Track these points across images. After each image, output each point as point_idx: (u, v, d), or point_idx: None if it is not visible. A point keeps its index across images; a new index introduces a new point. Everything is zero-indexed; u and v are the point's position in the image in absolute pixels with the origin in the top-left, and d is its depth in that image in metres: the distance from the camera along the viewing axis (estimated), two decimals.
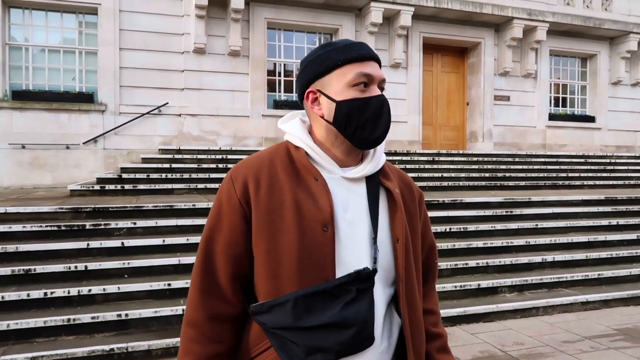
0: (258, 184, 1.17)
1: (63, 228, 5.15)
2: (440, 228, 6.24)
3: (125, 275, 4.74)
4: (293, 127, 1.25)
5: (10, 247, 4.72)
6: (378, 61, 1.22)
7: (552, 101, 12.54)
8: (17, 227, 5.05)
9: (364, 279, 1.11)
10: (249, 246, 1.17)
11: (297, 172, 1.19)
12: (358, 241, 1.17)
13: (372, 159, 1.24)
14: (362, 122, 1.18)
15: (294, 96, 10.41)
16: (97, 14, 9.02)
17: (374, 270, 1.14)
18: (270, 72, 10.21)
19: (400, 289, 1.19)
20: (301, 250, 1.11)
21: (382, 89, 1.21)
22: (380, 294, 1.17)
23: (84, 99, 8.97)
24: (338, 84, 1.18)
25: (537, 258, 6.03)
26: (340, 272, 1.12)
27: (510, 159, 10.48)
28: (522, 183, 9.17)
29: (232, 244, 1.17)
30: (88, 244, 4.96)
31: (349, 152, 1.22)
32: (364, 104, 1.17)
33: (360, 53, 1.19)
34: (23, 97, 8.63)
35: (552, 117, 12.32)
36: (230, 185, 1.19)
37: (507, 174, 9.49)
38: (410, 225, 1.27)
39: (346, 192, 1.19)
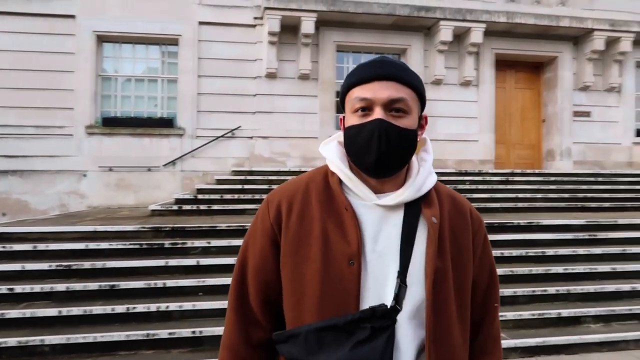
0: (290, 210, 1.14)
1: (144, 246, 5.48)
2: (515, 252, 5.96)
3: (200, 293, 4.94)
4: (329, 152, 1.20)
5: (99, 264, 5.09)
6: (390, 78, 1.09)
7: None
8: (104, 245, 5.43)
9: (380, 316, 1.03)
10: (279, 273, 1.14)
11: (331, 200, 1.14)
12: (388, 275, 1.08)
13: (413, 183, 1.14)
14: (356, 150, 1.11)
15: None
16: (177, 44, 9.64)
17: (393, 308, 1.05)
18: (339, 94, 10.33)
19: (426, 329, 1.08)
20: (324, 283, 1.07)
21: (397, 109, 1.09)
22: (410, 335, 1.08)
23: (165, 124, 9.58)
24: (347, 111, 1.15)
25: (625, 286, 5.57)
26: (366, 307, 1.06)
27: (592, 179, 9.82)
28: (606, 204, 8.55)
29: (262, 269, 1.16)
30: (167, 262, 5.22)
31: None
32: (356, 132, 1.11)
33: (360, 75, 1.12)
34: (112, 124, 9.37)
35: (639, 133, 11.45)
36: (265, 210, 1.18)
37: (589, 195, 8.90)
38: (457, 259, 1.14)
39: (379, 221, 1.12)
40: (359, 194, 1.14)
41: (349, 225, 1.10)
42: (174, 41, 9.68)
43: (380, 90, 1.08)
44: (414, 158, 1.20)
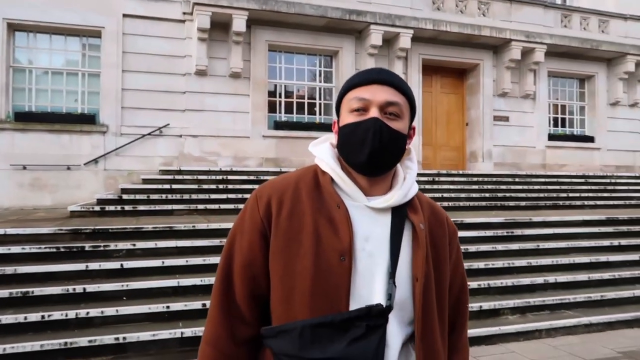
0: (280, 206, 1.15)
1: (62, 250, 5.13)
2: None
3: (124, 298, 4.71)
4: (321, 152, 1.23)
5: (9, 269, 4.70)
6: (388, 84, 1.16)
7: (552, 122, 12.61)
8: (16, 249, 5.04)
9: (375, 315, 1.07)
10: (267, 267, 1.15)
11: (321, 198, 1.16)
12: (376, 275, 1.12)
13: (401, 188, 1.20)
14: (350, 147, 1.16)
15: (295, 117, 10.48)
16: (100, 37, 9.14)
17: (388, 308, 1.09)
18: (271, 94, 10.29)
19: (416, 329, 1.14)
20: (315, 278, 1.09)
21: (390, 113, 1.15)
22: (396, 332, 1.13)
23: (86, 120, 9.04)
24: (344, 111, 1.19)
25: (539, 279, 5.99)
26: (354, 304, 1.09)
27: (510, 179, 10.48)
28: (523, 203, 9.15)
29: (250, 264, 1.15)
30: (87, 266, 4.94)
31: (369, 179, 1.18)
32: (352, 129, 1.15)
33: (362, 78, 1.17)
34: (25, 119, 8.70)
35: (551, 137, 12.37)
36: (255, 204, 1.18)
37: (508, 194, 9.49)
38: (436, 264, 1.21)
39: (370, 222, 1.15)
40: (350, 194, 1.17)
41: (340, 222, 1.12)
42: (96, 33, 9.16)
43: (378, 93, 1.15)
44: (399, 165, 1.25)
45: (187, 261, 5.22)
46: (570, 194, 10.03)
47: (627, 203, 10.04)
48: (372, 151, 1.12)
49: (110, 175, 8.95)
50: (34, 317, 4.21)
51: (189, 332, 4.30)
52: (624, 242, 7.23)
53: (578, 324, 5.35)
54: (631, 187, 11.16)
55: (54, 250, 5.12)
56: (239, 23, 9.22)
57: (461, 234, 6.72)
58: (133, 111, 9.19)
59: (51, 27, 8.95)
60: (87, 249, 5.20)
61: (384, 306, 1.08)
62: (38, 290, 4.51)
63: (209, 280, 4.86)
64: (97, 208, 6.93)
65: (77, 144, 8.84)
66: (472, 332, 4.89)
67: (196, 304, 4.63)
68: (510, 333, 5.06)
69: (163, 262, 5.16)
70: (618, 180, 11.49)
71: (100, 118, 9.09)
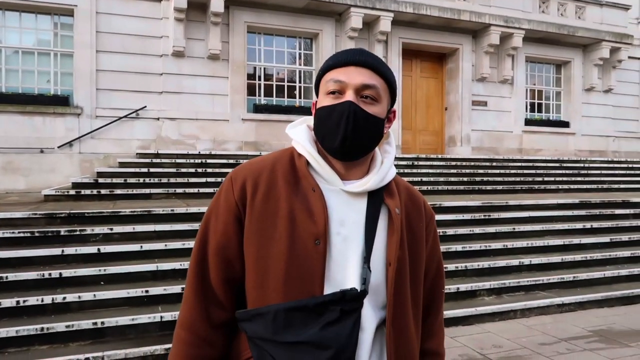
0: (256, 188, 1.13)
1: (37, 234, 5.02)
2: None
3: (102, 282, 4.65)
4: (298, 134, 1.21)
5: None
6: (366, 65, 1.13)
7: (528, 107, 12.79)
8: None
9: (349, 299, 1.07)
10: (242, 250, 1.14)
11: (297, 181, 1.15)
12: (350, 259, 1.12)
13: (377, 173, 1.18)
14: (325, 131, 1.14)
15: (274, 100, 10.39)
16: (73, 15, 8.86)
17: (362, 292, 1.08)
18: (250, 76, 10.16)
19: (387, 313, 1.14)
20: (290, 262, 1.08)
21: (366, 96, 1.12)
22: (370, 316, 1.13)
23: (59, 102, 8.79)
24: (321, 93, 1.17)
25: (514, 261, 6.12)
26: (329, 289, 1.08)
27: (487, 164, 10.62)
28: (500, 187, 9.30)
29: (224, 247, 1.14)
30: (63, 251, 4.84)
31: (346, 163, 1.16)
32: (327, 112, 1.13)
33: (340, 59, 1.14)
34: None
35: (528, 122, 12.55)
36: (229, 186, 1.16)
37: (485, 178, 9.62)
38: (412, 249, 1.20)
39: (345, 206, 1.14)
40: (326, 178, 1.15)
41: (315, 206, 1.11)
42: (68, 11, 8.87)
43: (354, 75, 1.12)
44: (377, 149, 1.23)
45: (166, 245, 5.17)
46: (546, 178, 10.23)
47: (599, 187, 10.30)
48: (346, 136, 1.10)
49: (86, 159, 8.76)
50: (8, 302, 4.12)
51: (168, 316, 4.27)
52: (595, 224, 7.43)
53: (551, 304, 5.50)
54: (603, 172, 11.43)
55: (29, 235, 5.00)
56: (216, 3, 9.02)
57: (439, 217, 6.81)
58: (109, 93, 8.97)
59: (21, 5, 8.62)
60: (62, 233, 5.09)
61: (359, 291, 1.08)
62: (12, 276, 4.41)
63: (189, 264, 4.82)
64: (72, 192, 6.79)
65: (51, 126, 8.61)
66: (449, 313, 5.00)
67: (176, 288, 4.60)
68: (486, 313, 5.18)
69: (141, 247, 5.10)
70: (591, 165, 11.75)
71: (74, 100, 8.85)
